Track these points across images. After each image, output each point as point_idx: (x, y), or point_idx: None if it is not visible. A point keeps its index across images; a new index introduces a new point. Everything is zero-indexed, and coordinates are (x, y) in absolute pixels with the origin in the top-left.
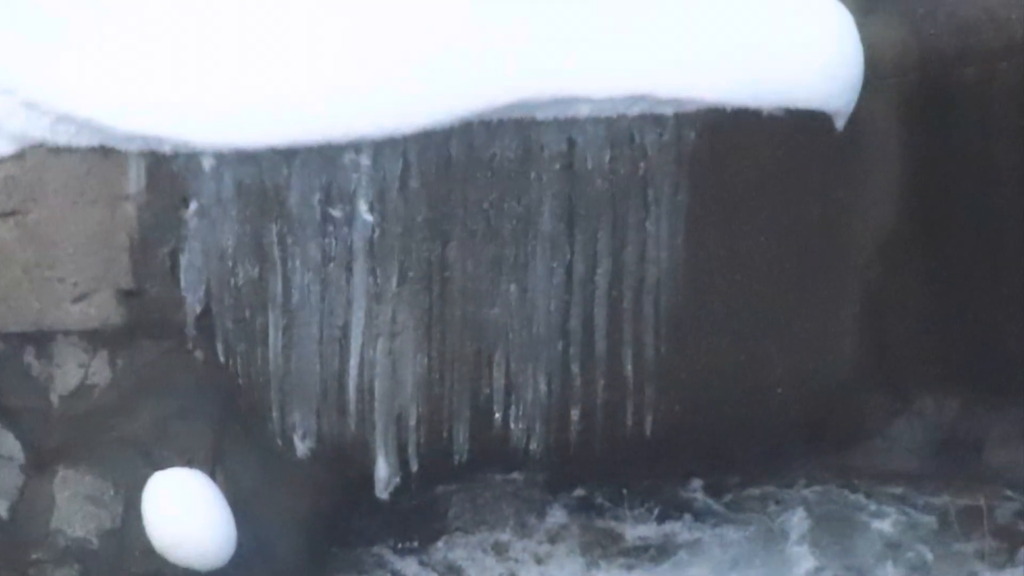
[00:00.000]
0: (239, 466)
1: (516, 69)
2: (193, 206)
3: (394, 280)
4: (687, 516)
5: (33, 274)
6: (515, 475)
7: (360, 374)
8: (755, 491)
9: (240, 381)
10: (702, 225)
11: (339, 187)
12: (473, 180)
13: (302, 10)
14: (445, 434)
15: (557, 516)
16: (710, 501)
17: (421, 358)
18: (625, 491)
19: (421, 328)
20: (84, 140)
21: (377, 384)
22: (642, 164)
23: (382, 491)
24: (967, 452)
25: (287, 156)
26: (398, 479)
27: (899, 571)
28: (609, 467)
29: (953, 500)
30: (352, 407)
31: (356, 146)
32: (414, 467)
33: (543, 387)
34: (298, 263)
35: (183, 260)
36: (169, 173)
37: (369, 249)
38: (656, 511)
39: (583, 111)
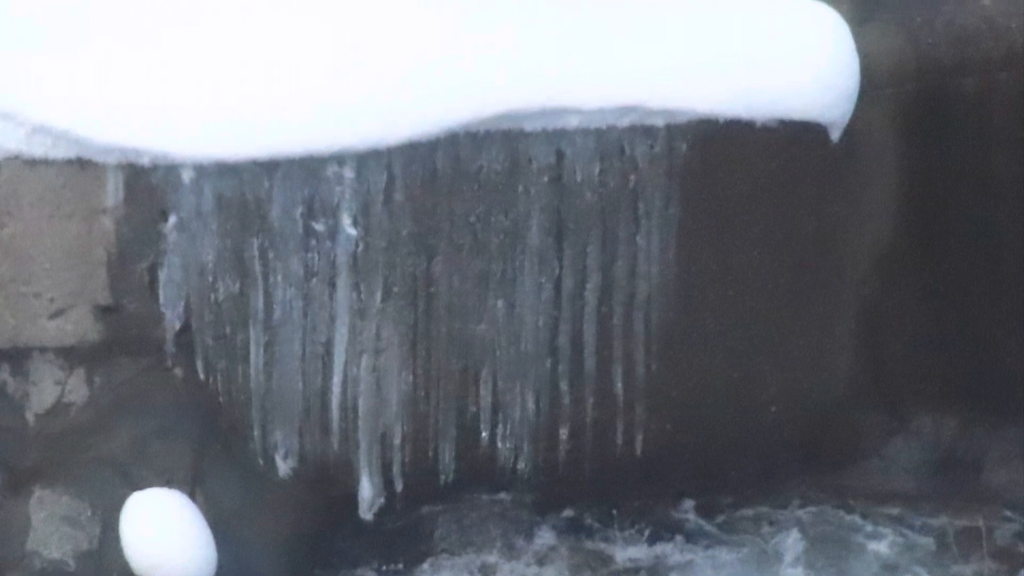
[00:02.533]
0: (219, 486)
1: (504, 79)
2: (172, 220)
3: (378, 295)
4: (679, 537)
5: (8, 289)
6: (502, 495)
7: (343, 392)
8: (748, 512)
9: (220, 399)
10: (694, 239)
11: (322, 200)
12: (459, 193)
13: (284, 19)
14: (430, 453)
15: (546, 537)
16: (702, 522)
17: (406, 375)
18: (615, 512)
19: (406, 345)
20: (61, 152)
21: (361, 402)
22: (632, 176)
23: (366, 512)
24: (966, 472)
25: (268, 168)
26: (382, 499)
27: None
28: (599, 487)
29: (951, 521)
30: (335, 426)
31: (339, 158)
32: (399, 487)
33: (531, 405)
34: (280, 278)
35: (162, 275)
36: (148, 186)
37: (353, 264)
38: (647, 532)
39: (572, 122)
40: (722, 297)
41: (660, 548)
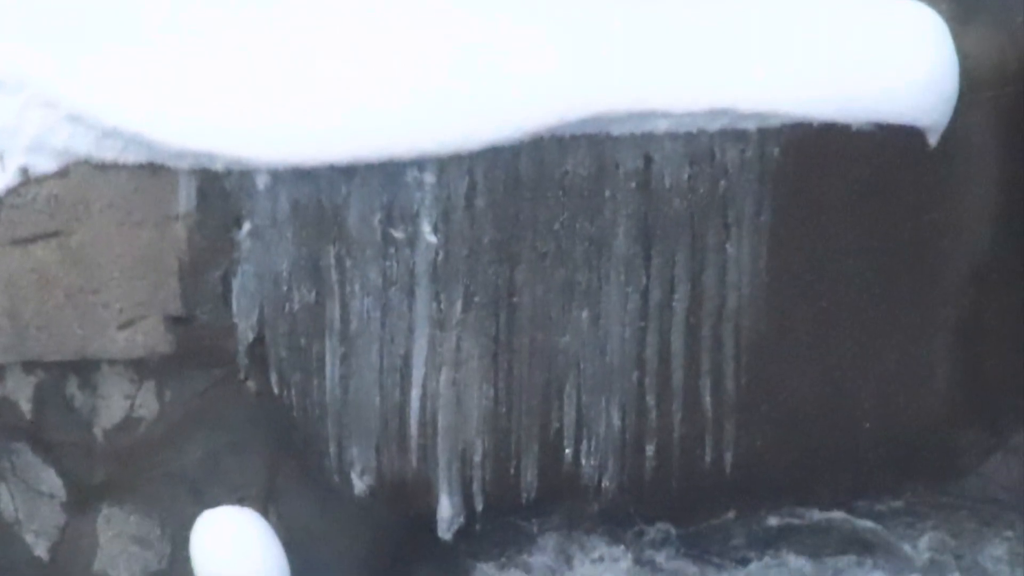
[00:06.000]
0: (293, 504)
1: (590, 81)
2: (246, 227)
3: (459, 306)
4: (767, 557)
5: (76, 299)
6: (586, 513)
7: (422, 406)
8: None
9: (295, 413)
10: (786, 247)
11: (401, 207)
12: (543, 199)
13: (362, 21)
14: (512, 471)
15: (631, 556)
16: (792, 541)
17: (487, 389)
18: (704, 530)
19: (487, 357)
20: (131, 156)
21: (440, 417)
22: (723, 182)
23: (445, 531)
24: None
25: (346, 174)
26: (462, 518)
27: None
28: (686, 505)
29: None
30: (413, 442)
31: (419, 163)
32: (479, 506)
33: (616, 421)
34: (357, 287)
35: (235, 284)
36: (221, 192)
37: (432, 272)
38: (737, 552)
39: (661, 126)
40: (814, 308)
41: (751, 567)
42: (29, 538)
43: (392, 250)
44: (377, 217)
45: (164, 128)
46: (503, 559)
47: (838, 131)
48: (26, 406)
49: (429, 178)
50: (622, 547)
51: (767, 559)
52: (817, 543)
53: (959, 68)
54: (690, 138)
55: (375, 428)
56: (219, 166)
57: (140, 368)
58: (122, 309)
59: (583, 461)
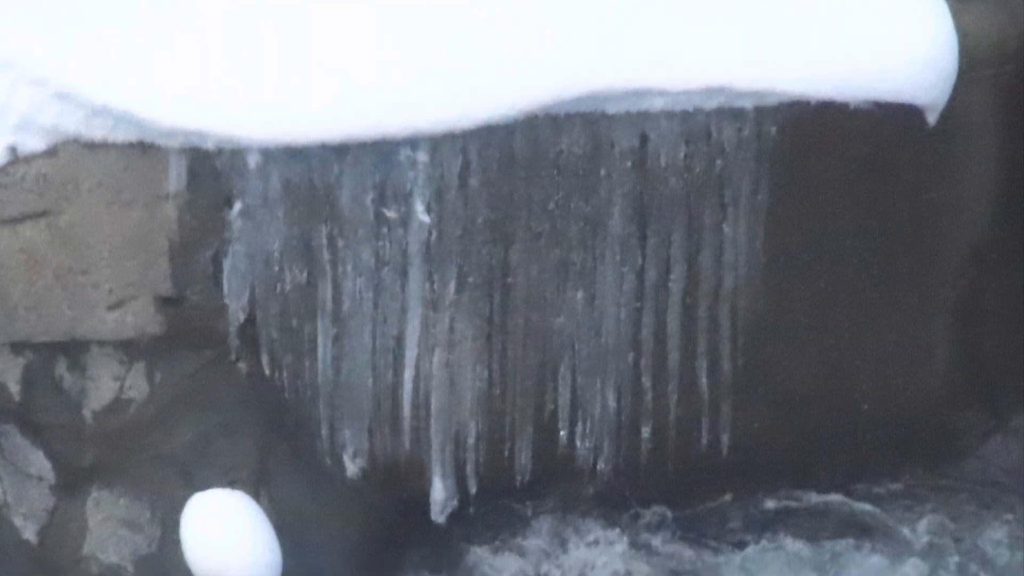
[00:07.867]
0: (285, 487)
1: (586, 59)
2: (237, 206)
3: (452, 286)
4: (764, 541)
5: (65, 280)
6: (581, 496)
7: (415, 388)
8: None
9: (286, 395)
10: (783, 227)
11: (394, 186)
12: (538, 178)
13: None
14: (506, 453)
15: (626, 539)
16: (789, 525)
17: (481, 371)
18: (700, 513)
19: (481, 338)
20: (121, 135)
21: (433, 399)
22: (719, 161)
23: (438, 514)
24: None
25: (338, 152)
26: (455, 501)
27: None
28: (682, 488)
29: None
30: (406, 424)
31: (412, 142)
32: (473, 488)
33: (612, 402)
34: (349, 268)
35: (226, 265)
36: (212, 171)
37: (426, 252)
38: (734, 535)
39: (657, 104)
40: (812, 288)
41: (748, 551)
42: (18, 521)
43: (385, 230)
44: (370, 196)
45: (154, 106)
46: (497, 542)
47: (836, 109)
48: (14, 387)
49: (422, 157)
50: (617, 530)
51: (764, 542)
52: (815, 526)
53: (958, 46)
54: (686, 116)
55: (368, 410)
56: (210, 145)
57: (130, 349)
58: (112, 290)
59: (578, 443)
